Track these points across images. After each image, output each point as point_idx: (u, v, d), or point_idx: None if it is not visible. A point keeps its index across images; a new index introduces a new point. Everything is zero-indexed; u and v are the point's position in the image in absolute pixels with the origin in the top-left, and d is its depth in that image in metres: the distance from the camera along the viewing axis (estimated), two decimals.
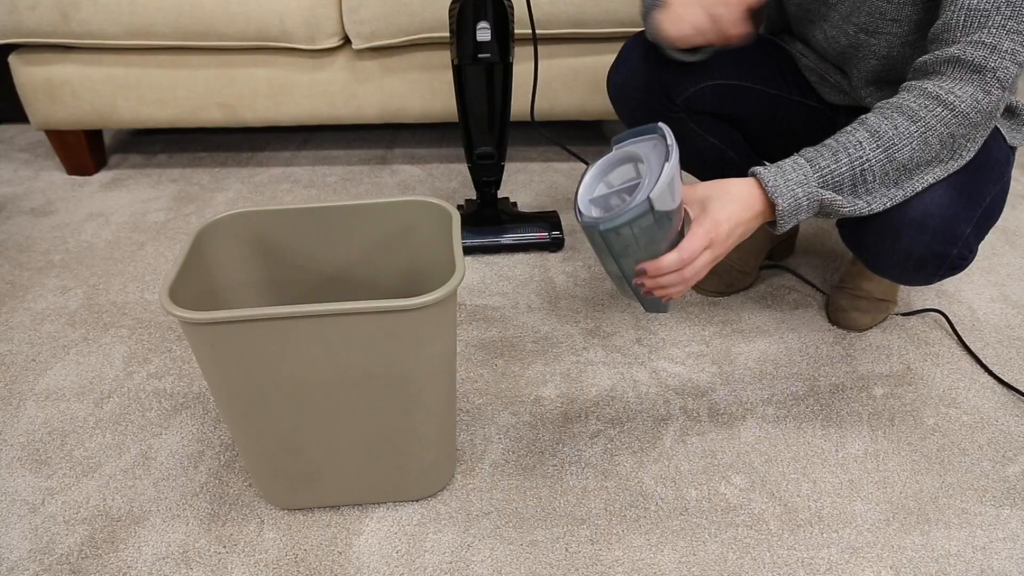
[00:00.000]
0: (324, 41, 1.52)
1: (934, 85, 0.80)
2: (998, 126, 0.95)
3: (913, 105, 0.80)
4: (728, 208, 0.78)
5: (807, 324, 1.21)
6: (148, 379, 1.12)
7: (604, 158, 0.80)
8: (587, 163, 1.43)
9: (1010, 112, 0.96)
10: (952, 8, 0.81)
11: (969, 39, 0.79)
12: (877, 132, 0.80)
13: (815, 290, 1.29)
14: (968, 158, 0.84)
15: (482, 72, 1.28)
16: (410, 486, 0.90)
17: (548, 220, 1.42)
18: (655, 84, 1.06)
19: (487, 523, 0.89)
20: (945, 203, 0.86)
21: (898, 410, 1.04)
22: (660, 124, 0.75)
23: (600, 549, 0.85)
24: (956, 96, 0.79)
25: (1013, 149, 0.97)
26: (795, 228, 1.37)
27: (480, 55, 1.24)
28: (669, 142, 0.72)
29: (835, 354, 1.15)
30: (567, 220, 1.52)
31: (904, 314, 1.23)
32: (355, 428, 0.82)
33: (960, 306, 1.25)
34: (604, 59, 1.58)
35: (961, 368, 1.12)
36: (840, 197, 0.82)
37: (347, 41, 1.56)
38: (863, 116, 0.83)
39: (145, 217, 1.56)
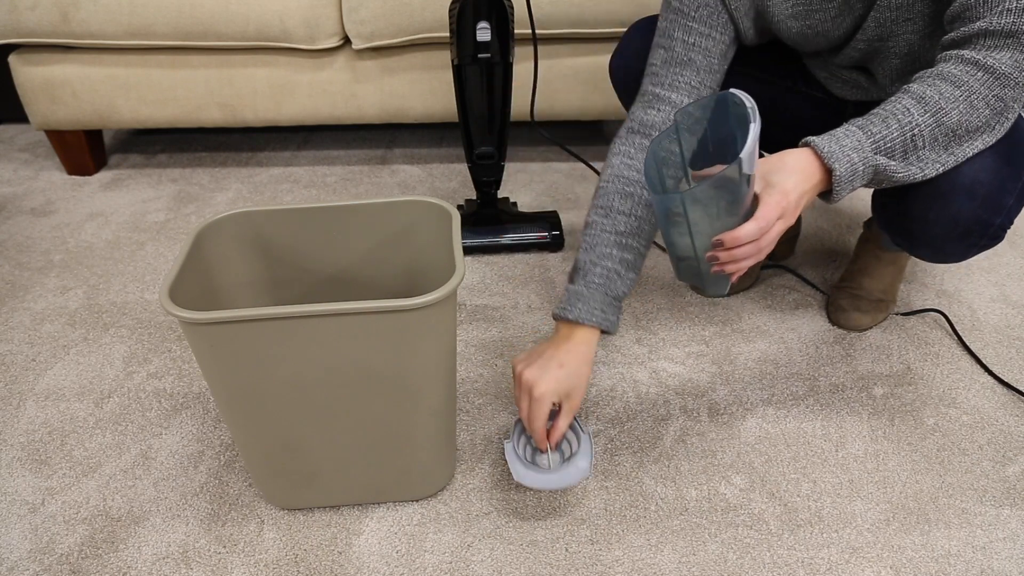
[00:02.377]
0: (324, 41, 1.52)
1: (971, 52, 0.80)
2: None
3: (955, 71, 0.80)
4: (792, 178, 0.78)
5: (807, 324, 1.21)
6: (148, 379, 1.12)
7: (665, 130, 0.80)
8: (587, 163, 1.43)
9: None
10: None
11: (994, 11, 0.79)
12: (923, 98, 0.80)
13: (815, 290, 1.29)
14: (1011, 122, 0.84)
15: (482, 72, 1.28)
16: (410, 486, 0.90)
17: (548, 220, 1.42)
18: None
19: (487, 523, 0.89)
20: (993, 170, 0.86)
21: (898, 410, 1.04)
22: (734, 91, 0.74)
23: (600, 549, 0.85)
24: (995, 59, 0.79)
25: None
26: (797, 229, 1.37)
27: (480, 55, 1.24)
28: (749, 105, 0.71)
29: (835, 354, 1.15)
30: (567, 220, 1.52)
31: (904, 314, 1.23)
32: (355, 428, 0.82)
33: (960, 306, 1.25)
34: (604, 59, 1.58)
35: (961, 368, 1.12)
36: (893, 162, 0.81)
37: (347, 41, 1.56)
38: (906, 86, 0.82)
39: (145, 217, 1.56)
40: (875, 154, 0.81)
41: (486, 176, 1.41)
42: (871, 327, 1.20)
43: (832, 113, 1.13)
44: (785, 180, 0.78)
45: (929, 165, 0.83)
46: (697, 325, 1.21)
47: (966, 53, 0.80)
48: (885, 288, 1.19)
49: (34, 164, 1.82)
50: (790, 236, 1.36)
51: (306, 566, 0.84)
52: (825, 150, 0.80)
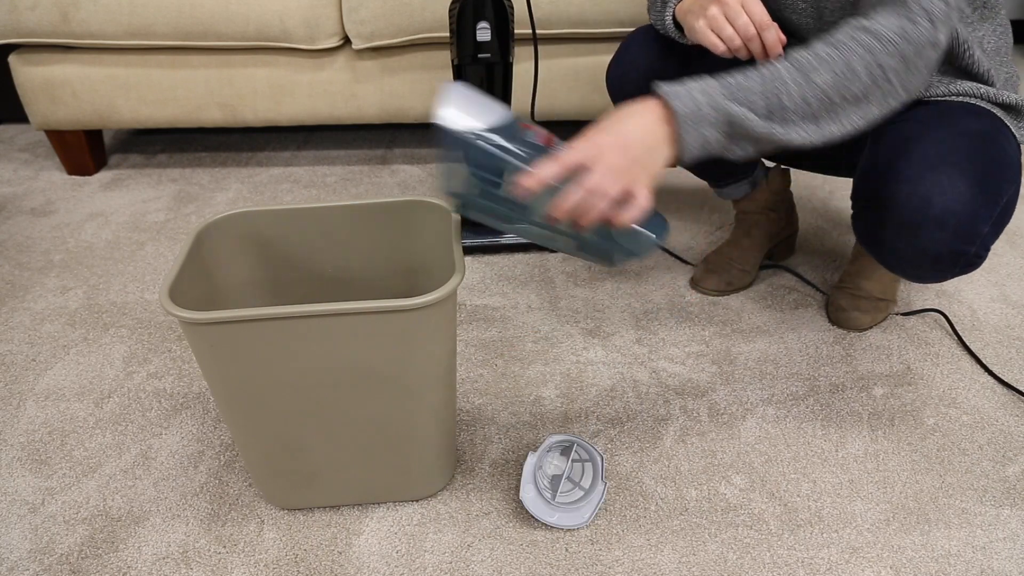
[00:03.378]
0: (324, 41, 1.52)
1: (861, 19, 0.79)
2: (1007, 123, 0.94)
3: (838, 36, 0.77)
4: (610, 120, 0.75)
5: (807, 324, 1.21)
6: (148, 379, 1.12)
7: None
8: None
9: (1015, 111, 0.95)
10: None
11: None
12: (796, 59, 0.77)
13: (815, 290, 1.29)
14: (904, 98, 0.80)
15: (482, 72, 1.28)
16: (410, 486, 0.90)
17: None
18: (653, 78, 1.06)
19: (487, 523, 0.89)
20: (966, 200, 0.85)
21: (898, 410, 1.04)
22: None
23: (600, 549, 0.85)
24: (881, 24, 0.77)
25: (1019, 148, 0.96)
26: (795, 228, 1.36)
27: (480, 55, 1.24)
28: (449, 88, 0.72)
29: (835, 354, 1.15)
30: None
31: (904, 314, 1.23)
32: (355, 428, 0.82)
33: (960, 306, 1.25)
34: (604, 59, 1.58)
35: (961, 368, 1.12)
36: (753, 115, 0.75)
37: (347, 41, 1.56)
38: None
39: (145, 217, 1.56)
40: (728, 100, 0.75)
41: None
42: (871, 327, 1.20)
43: None
44: (604, 124, 0.74)
45: (795, 128, 0.77)
46: (697, 325, 1.21)
47: (854, 20, 0.78)
48: (884, 289, 1.19)
49: (34, 164, 1.82)
50: (790, 234, 1.36)
51: (306, 566, 0.84)
52: (667, 89, 0.75)
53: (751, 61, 0.90)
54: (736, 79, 0.76)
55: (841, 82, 0.76)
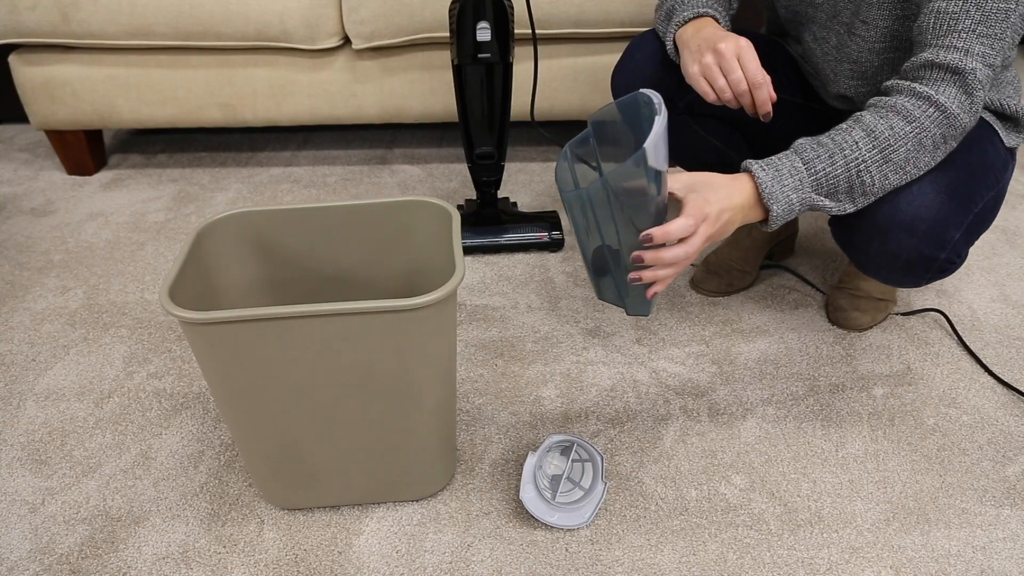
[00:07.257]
0: (324, 41, 1.52)
1: (922, 87, 0.80)
2: (996, 128, 0.94)
3: (908, 105, 0.80)
4: (717, 192, 0.77)
5: (807, 324, 1.21)
6: (148, 379, 1.12)
7: (579, 137, 0.79)
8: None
9: (1011, 121, 0.95)
10: (925, 11, 0.81)
11: (940, 43, 0.79)
12: (873, 132, 0.80)
13: (815, 290, 1.29)
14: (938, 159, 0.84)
15: (482, 72, 1.28)
16: (410, 486, 0.90)
17: (548, 220, 1.42)
18: (658, 86, 1.06)
19: (487, 523, 0.89)
20: (935, 206, 0.85)
21: (898, 410, 1.04)
22: (642, 91, 0.73)
23: (600, 549, 0.85)
24: (945, 96, 0.79)
25: (1012, 153, 0.96)
26: (795, 229, 1.37)
27: (480, 55, 1.24)
28: (656, 101, 0.71)
29: (835, 354, 1.15)
30: (567, 220, 1.52)
31: (904, 314, 1.23)
32: (355, 428, 0.82)
33: (960, 306, 1.25)
34: (604, 59, 1.58)
35: (961, 368, 1.12)
36: (831, 202, 0.82)
37: (347, 41, 1.56)
38: (858, 114, 0.82)
39: (145, 217, 1.56)
40: (815, 194, 0.81)
41: (486, 176, 1.41)
42: (871, 327, 1.20)
43: (827, 123, 1.13)
44: (709, 192, 0.77)
45: (858, 201, 0.83)
46: (697, 325, 1.21)
47: (918, 87, 0.80)
48: (883, 289, 1.19)
49: (34, 164, 1.82)
50: (789, 235, 1.36)
51: (306, 566, 0.84)
52: (766, 188, 0.79)
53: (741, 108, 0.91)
54: (824, 167, 0.80)
55: (912, 157, 0.80)
